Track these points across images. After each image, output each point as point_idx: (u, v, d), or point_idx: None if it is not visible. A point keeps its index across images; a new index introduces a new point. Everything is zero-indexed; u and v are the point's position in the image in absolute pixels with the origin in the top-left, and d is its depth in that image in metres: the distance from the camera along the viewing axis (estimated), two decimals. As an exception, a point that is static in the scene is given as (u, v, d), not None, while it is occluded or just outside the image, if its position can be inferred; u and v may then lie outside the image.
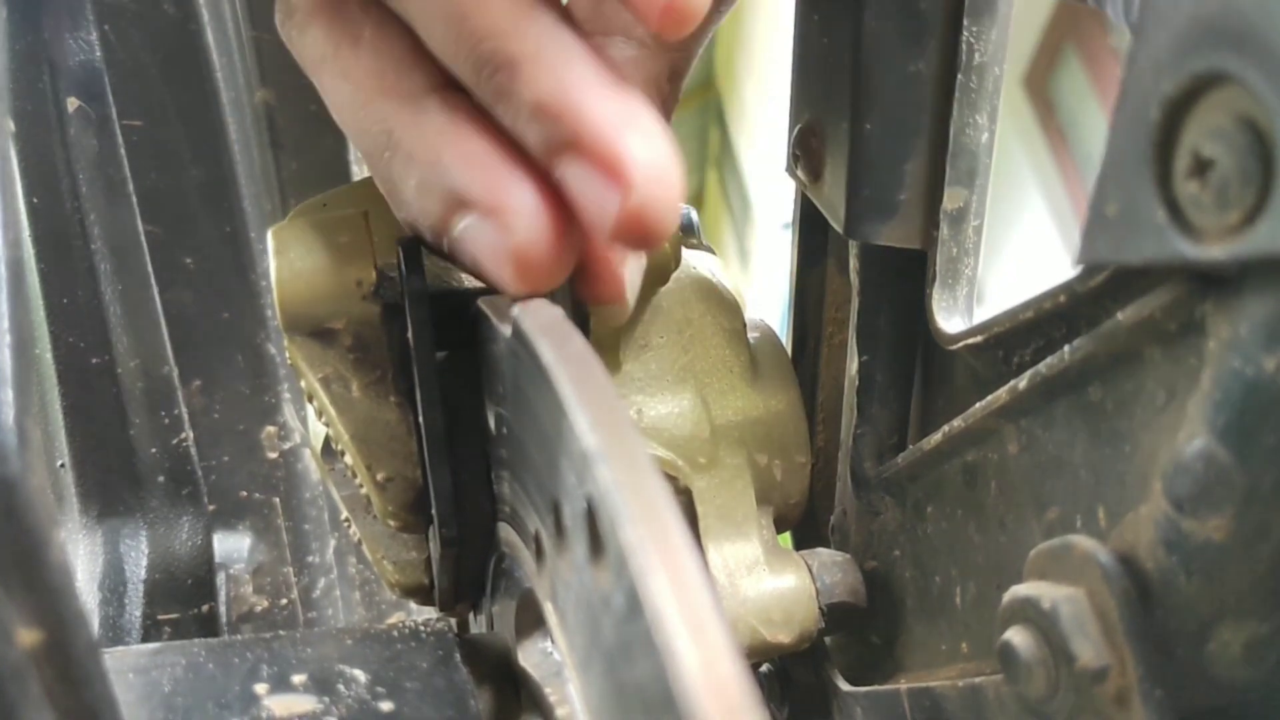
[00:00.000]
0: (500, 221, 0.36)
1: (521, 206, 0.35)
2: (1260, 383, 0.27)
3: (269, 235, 0.43)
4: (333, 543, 0.82)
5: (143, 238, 0.65)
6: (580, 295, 0.41)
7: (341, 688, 0.38)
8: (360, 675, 0.38)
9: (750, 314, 0.54)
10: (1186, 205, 0.27)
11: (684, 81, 0.46)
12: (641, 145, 0.34)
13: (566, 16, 0.36)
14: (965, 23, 0.42)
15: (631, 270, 0.41)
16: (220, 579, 0.69)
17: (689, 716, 0.21)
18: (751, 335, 0.53)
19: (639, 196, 0.33)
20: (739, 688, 0.22)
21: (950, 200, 0.44)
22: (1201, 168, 0.26)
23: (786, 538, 0.55)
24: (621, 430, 0.26)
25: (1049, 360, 0.35)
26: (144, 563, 0.61)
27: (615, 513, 0.25)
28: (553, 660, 0.40)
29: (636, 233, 0.34)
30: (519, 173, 0.36)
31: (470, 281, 0.43)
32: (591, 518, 0.26)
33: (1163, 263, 0.28)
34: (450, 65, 0.37)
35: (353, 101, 0.39)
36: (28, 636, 0.25)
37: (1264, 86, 0.24)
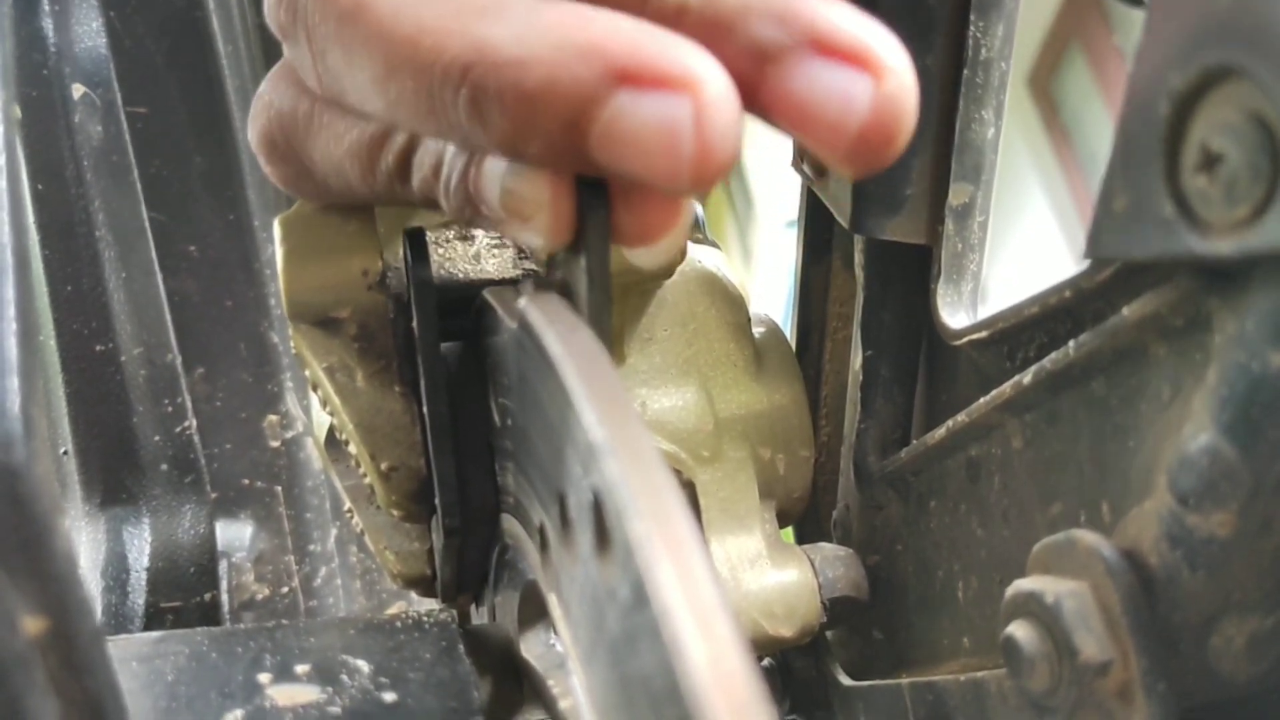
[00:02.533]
0: (683, 91, 0.30)
1: (710, 73, 0.30)
2: (1266, 378, 0.27)
3: (275, 224, 0.43)
4: (334, 532, 0.82)
5: (147, 225, 0.65)
6: (625, 232, 0.35)
7: (345, 678, 0.38)
8: (363, 665, 0.38)
9: (755, 309, 0.53)
10: (1194, 200, 0.27)
11: None
12: (883, 36, 0.31)
13: None
14: (972, 18, 0.42)
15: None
16: (222, 567, 0.69)
17: (697, 711, 0.21)
18: (756, 330, 0.52)
19: (893, 84, 0.30)
20: (747, 683, 0.22)
21: (956, 195, 0.44)
22: (1210, 162, 0.26)
23: (789, 532, 0.55)
24: (628, 423, 0.26)
25: (1054, 355, 0.35)
26: (147, 551, 0.61)
27: (622, 506, 0.25)
28: (556, 652, 0.40)
29: (888, 129, 0.30)
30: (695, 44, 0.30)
31: (476, 273, 0.43)
32: (598, 510, 0.26)
33: (1170, 257, 0.28)
34: None
35: (418, 18, 0.32)
36: (32, 624, 0.25)
37: (1274, 81, 0.24)
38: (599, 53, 0.30)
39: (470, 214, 0.36)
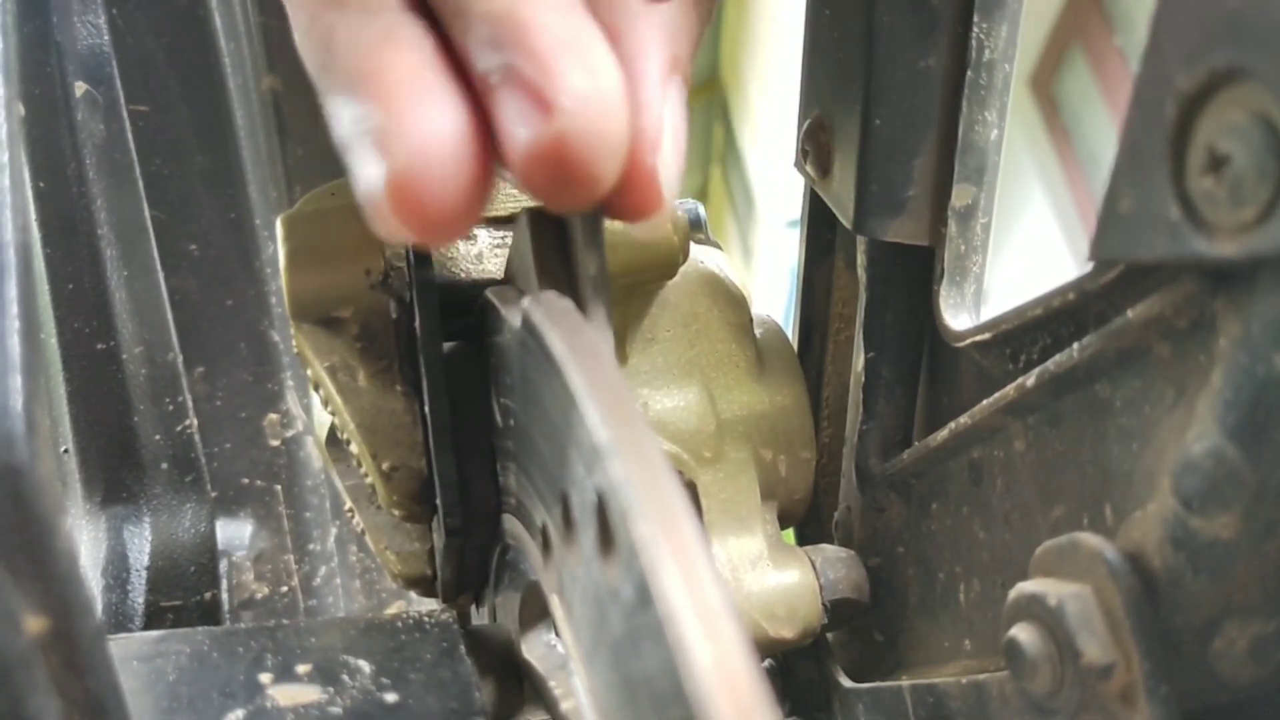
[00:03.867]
0: (382, 140, 0.30)
1: (419, 124, 0.30)
2: (1271, 381, 0.27)
3: (278, 222, 0.43)
4: (334, 531, 0.82)
5: (148, 223, 0.65)
6: (611, 207, 0.34)
7: (346, 678, 0.38)
8: (365, 666, 0.38)
9: (757, 310, 0.53)
10: (1200, 202, 0.27)
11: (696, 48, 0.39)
12: (578, 71, 0.30)
13: None
14: (975, 19, 0.42)
15: (668, 172, 0.34)
16: (223, 566, 0.69)
17: (701, 713, 0.21)
18: (758, 330, 0.52)
19: (561, 124, 0.29)
20: (751, 685, 0.22)
21: (959, 197, 0.44)
22: (1216, 164, 0.26)
23: (790, 533, 0.55)
24: (633, 423, 0.26)
25: (1057, 358, 0.35)
26: (147, 549, 0.61)
27: (626, 507, 0.24)
28: (557, 653, 0.40)
29: (555, 169, 0.30)
30: (445, 97, 0.31)
31: (479, 273, 0.43)
32: (601, 510, 0.26)
33: (1175, 259, 0.28)
34: None
35: (309, 6, 0.33)
36: (34, 623, 0.25)
37: (1281, 84, 0.24)
38: (360, 84, 0.31)
39: None
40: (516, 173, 0.30)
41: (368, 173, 0.30)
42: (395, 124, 0.30)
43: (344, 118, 0.31)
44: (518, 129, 0.30)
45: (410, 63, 0.31)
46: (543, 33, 0.30)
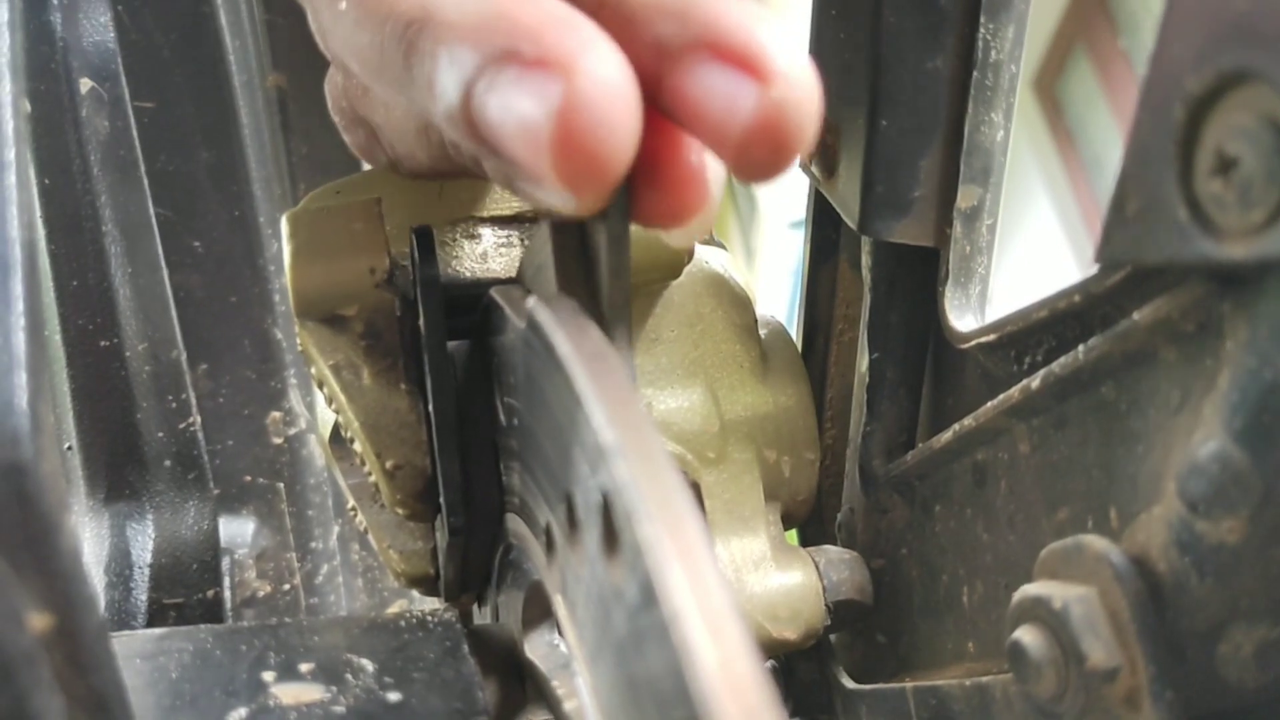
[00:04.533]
0: (555, 74, 0.28)
1: (593, 60, 0.28)
2: (1278, 384, 0.27)
3: (283, 220, 0.43)
4: (336, 529, 0.82)
5: (153, 220, 0.65)
6: (647, 211, 0.33)
7: (349, 677, 0.38)
8: (368, 665, 0.38)
9: (761, 310, 0.53)
10: (1208, 204, 0.27)
11: None
12: (780, 42, 0.30)
13: None
14: (982, 20, 0.42)
15: (713, 170, 0.33)
16: (225, 564, 0.69)
17: (705, 714, 0.21)
18: (762, 331, 0.52)
19: (780, 91, 0.29)
20: (756, 687, 0.21)
21: (964, 198, 0.44)
22: (1225, 166, 0.26)
23: (793, 535, 0.55)
24: (637, 423, 0.26)
25: (1062, 360, 0.35)
26: (150, 547, 0.61)
27: (631, 507, 0.24)
28: (560, 653, 0.40)
29: (774, 137, 0.30)
30: (603, 33, 0.29)
31: (483, 272, 0.43)
32: (606, 510, 0.26)
33: (1183, 262, 0.28)
34: None
35: None
36: (39, 621, 0.25)
37: (1290, 87, 0.24)
38: (502, 25, 0.29)
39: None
40: (731, 145, 0.30)
41: (522, 110, 0.28)
42: (562, 56, 0.28)
43: (465, 64, 0.30)
44: (728, 105, 0.30)
45: (559, 5, 0.30)
46: (728, 9, 0.30)
